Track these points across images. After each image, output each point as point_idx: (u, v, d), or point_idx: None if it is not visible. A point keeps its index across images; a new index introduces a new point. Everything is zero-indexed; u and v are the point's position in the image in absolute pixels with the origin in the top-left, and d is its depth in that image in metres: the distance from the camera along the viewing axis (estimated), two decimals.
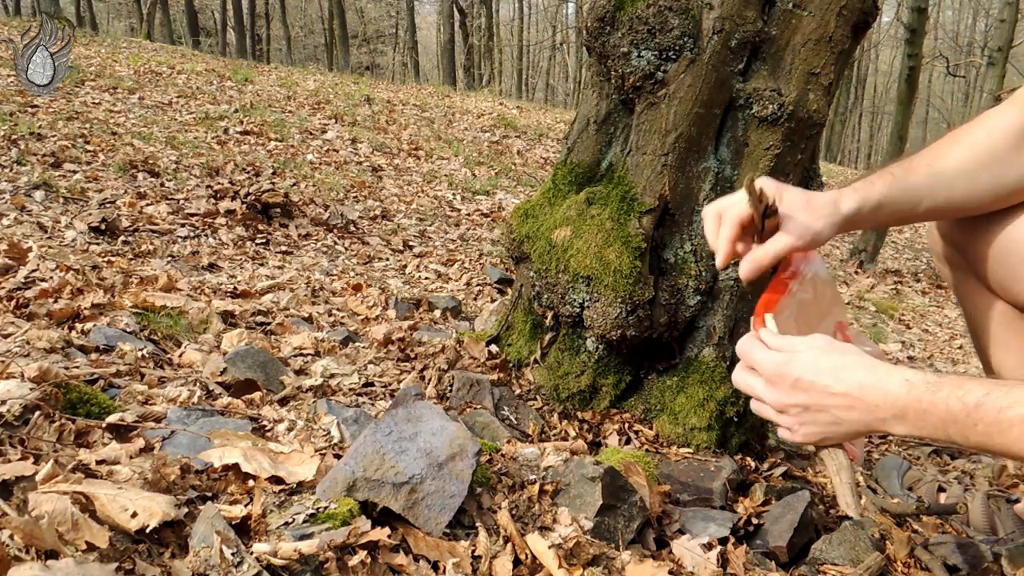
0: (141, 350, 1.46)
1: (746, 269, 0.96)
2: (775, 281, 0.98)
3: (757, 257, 0.95)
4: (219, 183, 3.88)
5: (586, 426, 1.54)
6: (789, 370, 0.85)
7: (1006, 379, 0.78)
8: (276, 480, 0.98)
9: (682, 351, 1.54)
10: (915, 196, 1.01)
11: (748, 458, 1.52)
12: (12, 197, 2.96)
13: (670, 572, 1.03)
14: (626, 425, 1.54)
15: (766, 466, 1.54)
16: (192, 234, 3.10)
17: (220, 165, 4.43)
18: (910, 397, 0.78)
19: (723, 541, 1.18)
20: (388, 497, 0.97)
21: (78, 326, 1.55)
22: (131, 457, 0.97)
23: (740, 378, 0.93)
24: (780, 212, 0.95)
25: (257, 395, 1.36)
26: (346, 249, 3.59)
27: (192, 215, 3.33)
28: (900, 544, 1.25)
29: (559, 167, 1.62)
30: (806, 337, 0.88)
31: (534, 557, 0.99)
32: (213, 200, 3.56)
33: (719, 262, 0.98)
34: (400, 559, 0.91)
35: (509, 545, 1.00)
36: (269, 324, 1.95)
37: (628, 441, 1.51)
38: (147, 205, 3.34)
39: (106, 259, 2.35)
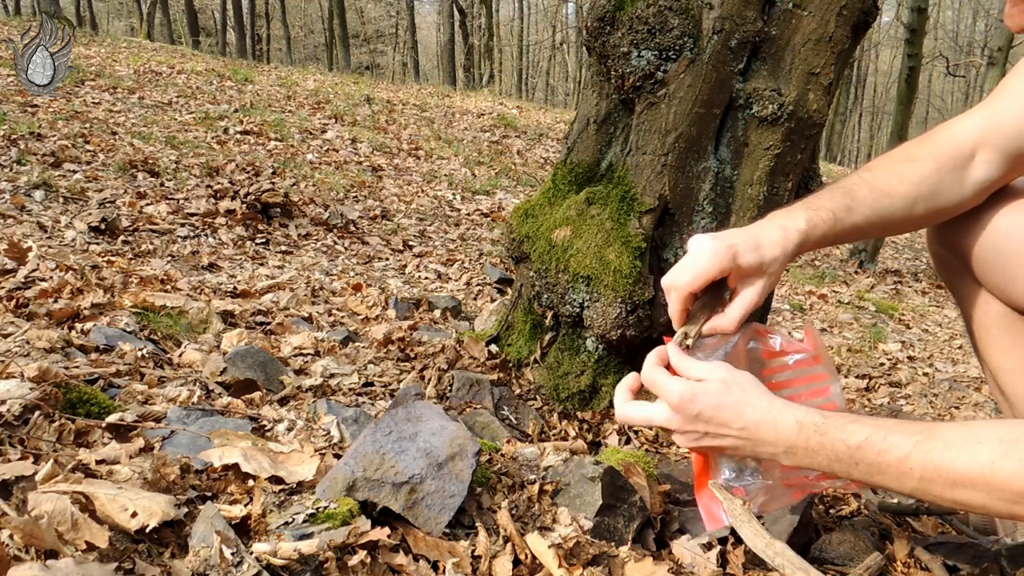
0: (141, 350, 1.46)
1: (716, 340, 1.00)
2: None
3: (721, 326, 0.98)
4: (219, 183, 3.88)
5: (586, 426, 1.54)
6: (693, 404, 0.89)
7: (885, 421, 0.83)
8: (276, 480, 0.98)
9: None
10: (851, 229, 1.05)
11: None
12: (12, 197, 2.96)
13: (670, 572, 1.03)
14: (626, 425, 1.54)
15: None
16: (192, 234, 3.10)
17: (220, 165, 4.44)
18: (800, 438, 0.84)
19: (723, 541, 1.18)
20: (388, 497, 0.97)
21: (78, 326, 1.55)
22: (131, 457, 0.97)
23: (635, 411, 0.97)
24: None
25: (257, 395, 1.36)
26: (346, 249, 3.59)
27: (192, 215, 3.33)
28: (900, 544, 1.25)
29: (559, 167, 1.62)
30: (708, 365, 0.92)
31: (534, 557, 0.99)
32: (213, 200, 3.56)
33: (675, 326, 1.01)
34: (400, 559, 0.91)
35: (509, 545, 1.00)
36: (269, 324, 1.95)
37: (628, 441, 1.51)
38: (147, 205, 3.34)
39: (106, 259, 2.35)
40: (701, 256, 0.95)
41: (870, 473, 0.81)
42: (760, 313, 1.60)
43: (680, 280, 0.96)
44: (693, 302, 0.99)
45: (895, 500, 1.52)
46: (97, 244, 2.61)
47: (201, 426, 1.14)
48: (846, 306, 5.22)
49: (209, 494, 0.95)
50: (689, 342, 0.98)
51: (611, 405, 1.57)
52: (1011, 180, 1.10)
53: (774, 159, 1.44)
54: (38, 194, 3.08)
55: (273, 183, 4.13)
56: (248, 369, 1.46)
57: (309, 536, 0.87)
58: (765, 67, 1.43)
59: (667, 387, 0.91)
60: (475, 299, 2.91)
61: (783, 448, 0.86)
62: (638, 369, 1.01)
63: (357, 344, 1.87)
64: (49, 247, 2.33)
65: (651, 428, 0.98)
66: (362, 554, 0.87)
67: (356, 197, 4.80)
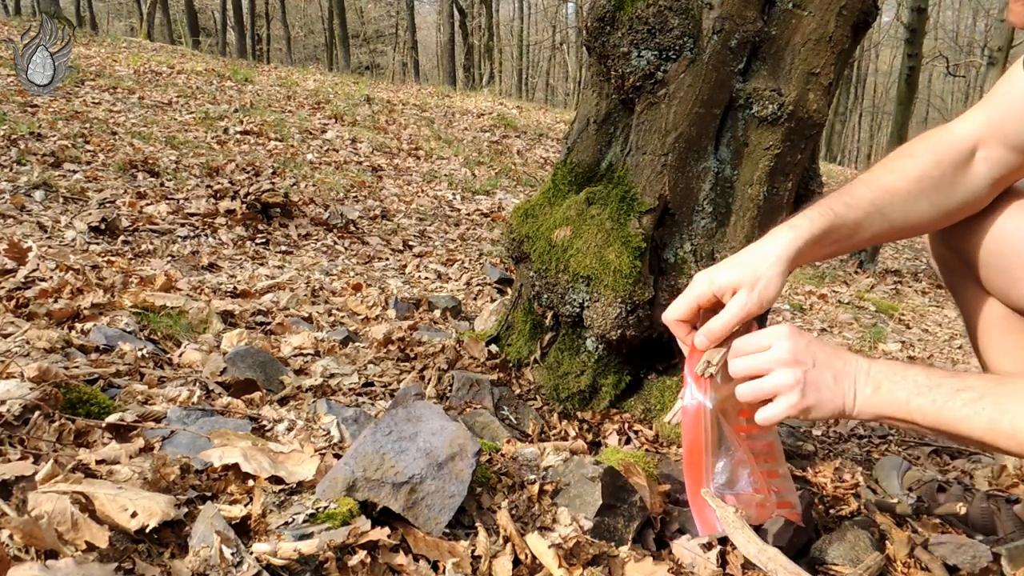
0: (141, 350, 1.46)
1: (700, 340, 1.03)
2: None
3: (711, 329, 1.02)
4: (219, 183, 3.88)
5: (586, 426, 1.53)
6: (807, 348, 0.94)
7: (957, 371, 0.92)
8: (276, 480, 0.98)
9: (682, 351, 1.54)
10: (855, 227, 1.06)
11: None
12: (12, 197, 2.96)
13: (670, 572, 1.03)
14: (626, 425, 1.54)
15: None
16: (192, 234, 3.10)
17: (220, 165, 4.44)
18: (888, 369, 0.92)
19: (723, 541, 1.18)
20: (388, 497, 0.97)
21: (78, 326, 1.55)
22: (131, 457, 0.97)
23: (760, 385, 0.97)
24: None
25: (257, 395, 1.36)
26: (346, 249, 3.59)
27: (192, 215, 3.33)
28: (900, 544, 1.25)
29: (559, 167, 1.62)
30: (771, 330, 0.98)
31: (534, 557, 0.99)
32: (213, 200, 3.56)
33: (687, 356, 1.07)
34: (400, 559, 0.91)
35: (509, 545, 1.00)
36: (269, 324, 1.95)
37: (628, 441, 1.51)
38: (147, 205, 3.34)
39: (106, 259, 2.35)
40: (688, 288, 1.04)
41: (943, 411, 0.86)
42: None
43: (667, 313, 1.06)
44: (690, 330, 1.05)
45: (895, 500, 1.52)
46: (97, 244, 2.61)
47: (201, 426, 1.14)
48: (846, 306, 5.23)
49: (209, 494, 0.95)
50: (712, 370, 1.02)
51: (611, 405, 1.57)
52: (1019, 178, 1.09)
53: (774, 159, 1.44)
54: (38, 194, 3.08)
55: (273, 183, 4.13)
56: (248, 369, 1.46)
57: (309, 536, 0.87)
58: (765, 67, 1.43)
59: (773, 340, 0.95)
60: (475, 299, 2.91)
61: (872, 381, 0.91)
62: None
63: (357, 344, 1.87)
64: (49, 247, 2.33)
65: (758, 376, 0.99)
66: (362, 554, 0.87)
67: (356, 197, 4.80)
